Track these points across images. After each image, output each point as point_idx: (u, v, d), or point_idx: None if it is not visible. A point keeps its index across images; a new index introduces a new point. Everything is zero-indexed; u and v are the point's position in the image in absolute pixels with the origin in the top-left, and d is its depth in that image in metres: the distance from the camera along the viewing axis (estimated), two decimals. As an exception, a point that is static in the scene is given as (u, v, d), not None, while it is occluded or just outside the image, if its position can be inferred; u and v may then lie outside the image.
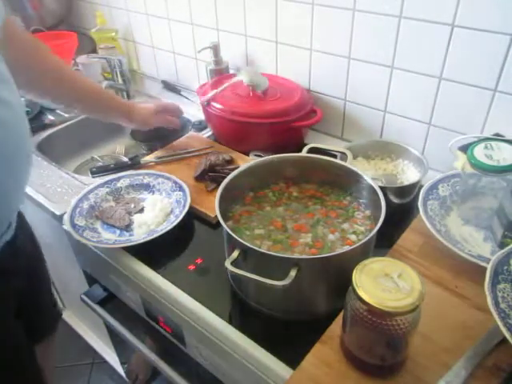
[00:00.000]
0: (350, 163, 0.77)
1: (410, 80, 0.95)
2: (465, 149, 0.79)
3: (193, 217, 0.89)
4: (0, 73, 0.64)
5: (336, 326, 0.62)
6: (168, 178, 0.95)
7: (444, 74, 0.90)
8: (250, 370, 0.66)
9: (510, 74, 0.82)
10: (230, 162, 1.02)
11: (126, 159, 1.26)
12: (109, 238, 0.84)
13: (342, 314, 0.59)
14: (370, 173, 0.91)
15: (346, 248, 0.65)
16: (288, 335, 0.66)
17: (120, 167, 1.03)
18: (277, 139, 1.03)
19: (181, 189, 0.91)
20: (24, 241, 0.82)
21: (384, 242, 0.69)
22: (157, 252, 0.81)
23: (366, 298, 0.50)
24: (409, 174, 0.92)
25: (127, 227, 0.86)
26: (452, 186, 0.83)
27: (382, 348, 0.54)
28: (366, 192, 0.75)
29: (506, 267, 0.60)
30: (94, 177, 1.01)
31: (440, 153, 0.95)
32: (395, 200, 0.84)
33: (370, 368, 0.57)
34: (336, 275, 0.63)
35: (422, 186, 0.83)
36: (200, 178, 0.97)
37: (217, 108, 1.05)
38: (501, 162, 0.71)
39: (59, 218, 0.93)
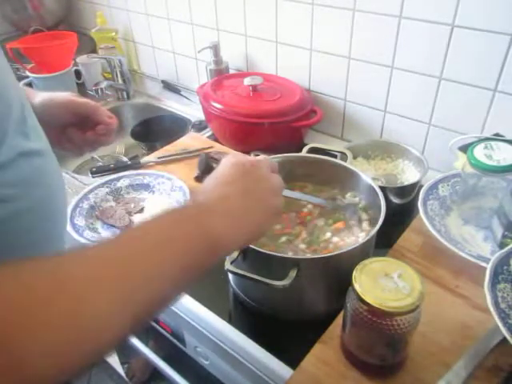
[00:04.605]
0: (350, 163, 0.77)
1: (409, 80, 0.95)
2: (465, 149, 0.79)
3: (193, 217, 0.89)
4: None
5: (336, 326, 0.62)
6: (168, 178, 0.95)
7: (444, 74, 0.90)
8: (250, 370, 0.66)
9: (509, 74, 0.82)
10: (230, 162, 1.01)
11: (125, 159, 1.26)
12: (109, 237, 0.84)
13: (342, 314, 0.59)
14: (369, 173, 0.91)
15: (346, 248, 0.65)
16: (288, 335, 0.66)
17: (120, 167, 1.03)
18: (277, 139, 1.03)
19: (181, 189, 0.91)
20: None
21: (384, 242, 0.69)
22: (157, 252, 0.81)
23: (366, 298, 0.50)
24: (409, 174, 0.92)
25: (127, 227, 0.86)
26: (452, 186, 0.83)
27: (382, 348, 0.54)
28: (366, 192, 0.75)
29: (505, 267, 0.60)
30: (94, 177, 1.01)
31: (440, 153, 0.95)
32: (395, 200, 0.84)
33: (369, 368, 0.57)
34: (336, 275, 0.63)
35: (421, 186, 0.83)
36: (200, 178, 0.97)
37: (217, 108, 1.05)
38: (501, 161, 0.71)
39: (59, 218, 0.92)
